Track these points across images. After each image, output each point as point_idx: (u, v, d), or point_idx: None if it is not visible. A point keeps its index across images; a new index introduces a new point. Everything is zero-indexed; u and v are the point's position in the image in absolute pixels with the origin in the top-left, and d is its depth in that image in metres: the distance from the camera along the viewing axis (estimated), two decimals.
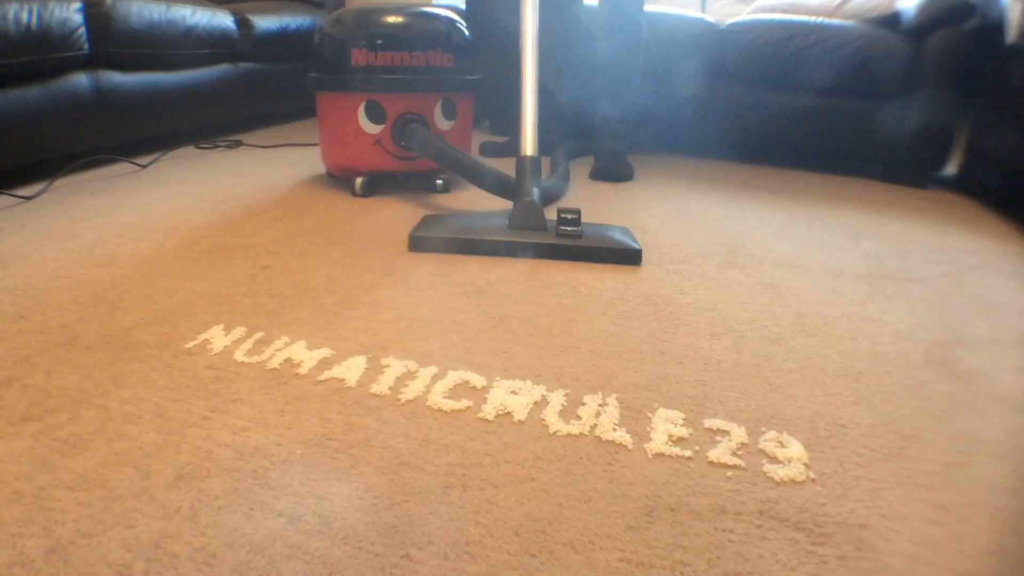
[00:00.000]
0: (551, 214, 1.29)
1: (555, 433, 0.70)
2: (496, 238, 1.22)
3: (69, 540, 0.54)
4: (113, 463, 0.63)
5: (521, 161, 1.35)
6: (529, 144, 1.36)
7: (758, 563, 0.54)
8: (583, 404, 0.75)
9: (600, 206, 1.58)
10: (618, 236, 1.26)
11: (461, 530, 0.56)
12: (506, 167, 1.47)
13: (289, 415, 0.71)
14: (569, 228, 1.23)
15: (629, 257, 1.21)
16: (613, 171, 1.87)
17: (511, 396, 0.76)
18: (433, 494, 0.61)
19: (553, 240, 1.21)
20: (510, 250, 1.21)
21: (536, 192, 1.30)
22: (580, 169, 1.96)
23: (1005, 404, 0.80)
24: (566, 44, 2.08)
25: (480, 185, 1.42)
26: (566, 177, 1.73)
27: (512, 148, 2.13)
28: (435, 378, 0.80)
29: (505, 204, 1.50)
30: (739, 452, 0.68)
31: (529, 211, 1.27)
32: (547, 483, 0.63)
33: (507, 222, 1.28)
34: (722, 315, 1.01)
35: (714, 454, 0.67)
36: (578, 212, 1.24)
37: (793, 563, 0.54)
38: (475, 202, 1.56)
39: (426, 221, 1.30)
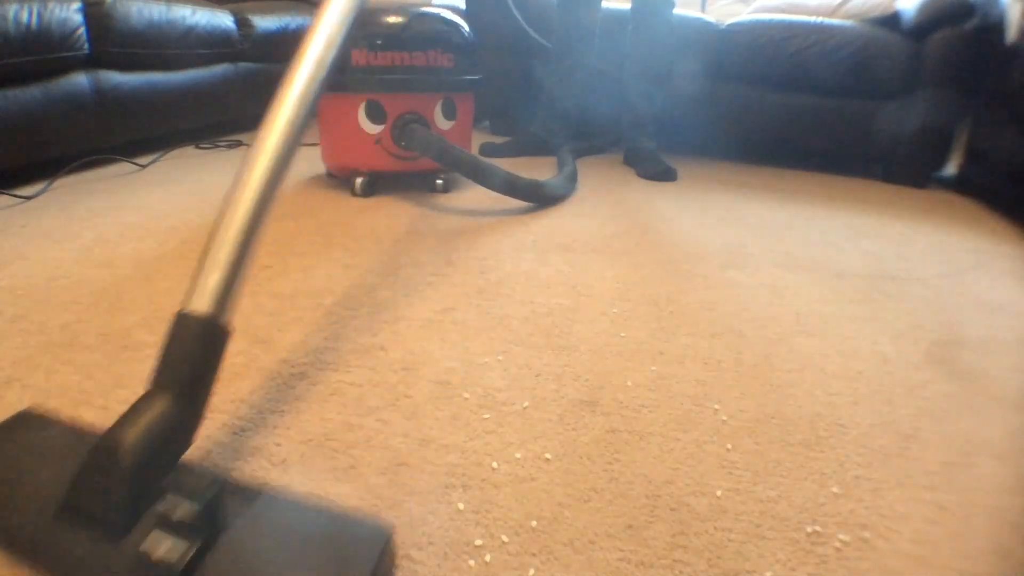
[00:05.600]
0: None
1: (555, 432, 0.70)
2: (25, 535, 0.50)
3: None
4: None
5: (179, 335, 0.54)
6: (210, 295, 0.55)
7: (758, 563, 0.54)
8: (581, 403, 0.75)
9: (601, 207, 1.58)
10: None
11: (461, 530, 0.56)
12: (507, 167, 1.47)
13: (289, 415, 0.71)
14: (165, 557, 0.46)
15: None
16: (662, 172, 1.92)
17: (512, 394, 0.76)
18: (433, 494, 0.61)
19: None
20: None
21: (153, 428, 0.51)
22: (583, 170, 1.96)
23: (1005, 404, 0.80)
24: (578, 48, 2.08)
25: (486, 184, 1.42)
26: (572, 178, 1.73)
27: (512, 148, 2.14)
28: (435, 377, 0.80)
29: (507, 204, 1.51)
30: None
31: (96, 478, 0.49)
32: (547, 483, 0.63)
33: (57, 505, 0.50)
34: (722, 315, 1.01)
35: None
36: (210, 501, 0.48)
37: (793, 563, 0.54)
38: (476, 202, 1.56)
39: None
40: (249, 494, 0.52)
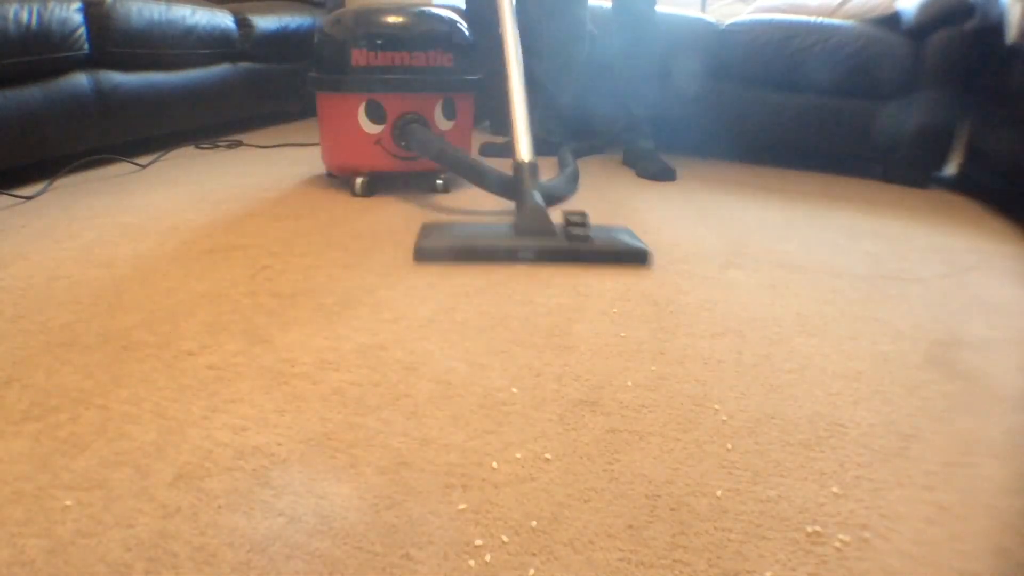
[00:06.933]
0: (557, 217, 1.28)
1: (555, 432, 0.70)
2: (505, 244, 1.20)
3: (69, 540, 0.54)
4: (113, 463, 0.63)
5: (519, 167, 1.35)
6: (525, 149, 1.35)
7: (758, 563, 0.54)
8: (583, 404, 0.75)
9: (601, 205, 1.58)
10: (624, 237, 1.27)
11: (461, 530, 0.56)
12: (507, 167, 1.47)
13: (289, 415, 0.71)
14: (577, 230, 1.21)
15: (637, 257, 1.22)
16: (661, 171, 1.92)
17: (512, 394, 0.76)
18: (433, 494, 0.61)
19: (563, 244, 1.21)
20: (520, 256, 1.19)
21: (538, 196, 1.30)
22: (587, 169, 1.96)
23: (1005, 404, 0.80)
24: (570, 45, 2.08)
25: (482, 185, 1.42)
26: (574, 178, 1.74)
27: (512, 148, 2.13)
28: (435, 377, 0.80)
29: (506, 206, 1.51)
30: None
31: (536, 215, 1.25)
32: (547, 483, 0.63)
33: (512, 228, 1.26)
34: (722, 315, 1.01)
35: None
36: (584, 215, 1.23)
37: (793, 563, 0.54)
38: (475, 202, 1.56)
39: (428, 230, 1.26)
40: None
